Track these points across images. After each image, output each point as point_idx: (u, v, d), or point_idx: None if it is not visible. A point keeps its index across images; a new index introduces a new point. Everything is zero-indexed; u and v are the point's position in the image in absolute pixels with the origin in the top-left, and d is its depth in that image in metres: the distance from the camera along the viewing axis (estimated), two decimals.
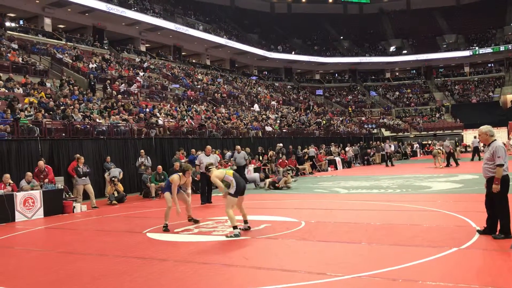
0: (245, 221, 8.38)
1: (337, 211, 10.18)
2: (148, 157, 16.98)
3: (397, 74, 62.51)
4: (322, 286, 4.86)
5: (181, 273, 5.63)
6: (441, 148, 24.62)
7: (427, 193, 12.72)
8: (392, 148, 33.77)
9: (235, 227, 7.76)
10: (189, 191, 9.37)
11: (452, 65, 58.91)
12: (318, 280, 5.01)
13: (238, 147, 18.39)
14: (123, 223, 10.15)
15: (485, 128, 6.82)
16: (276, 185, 16.43)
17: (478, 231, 6.91)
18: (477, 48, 55.02)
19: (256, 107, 36.39)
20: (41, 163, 13.15)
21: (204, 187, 13.21)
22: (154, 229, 8.92)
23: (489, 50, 54.14)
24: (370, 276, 5.08)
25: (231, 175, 8.05)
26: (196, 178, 13.31)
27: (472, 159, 27.05)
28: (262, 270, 5.55)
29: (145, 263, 6.24)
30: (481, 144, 21.58)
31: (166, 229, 8.54)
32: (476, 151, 27.05)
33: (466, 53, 55.24)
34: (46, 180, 12.69)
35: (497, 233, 6.54)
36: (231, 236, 7.64)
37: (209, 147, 13.86)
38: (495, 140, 6.69)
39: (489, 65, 58.09)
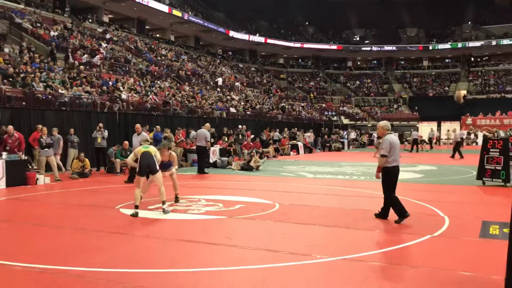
0: (163, 202, 8.12)
1: (308, 195, 10.38)
2: (106, 130, 16.29)
3: (358, 63, 63.61)
4: (309, 267, 4.98)
5: (167, 250, 5.61)
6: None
7: None
8: (352, 136, 34.66)
9: (136, 206, 7.72)
10: (173, 169, 9.17)
11: (411, 58, 60.60)
12: (305, 261, 5.13)
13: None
14: (93, 198, 9.93)
15: (382, 123, 7.62)
16: (249, 164, 16.51)
17: (375, 214, 7.59)
18: (436, 43, 56.77)
19: (220, 80, 36.23)
20: (10, 127, 12.55)
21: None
22: (127, 205, 8.79)
23: (447, 46, 56.01)
24: (355, 259, 5.25)
25: (140, 154, 8.02)
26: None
27: (411, 151, 29.05)
28: (247, 250, 5.62)
29: (127, 239, 6.17)
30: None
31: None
32: (415, 143, 29.70)
33: (425, 47, 56.93)
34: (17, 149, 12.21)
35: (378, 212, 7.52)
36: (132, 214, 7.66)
37: (138, 125, 13.57)
38: (389, 134, 7.35)
39: (447, 60, 60.18)
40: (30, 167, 12.59)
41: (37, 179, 12.13)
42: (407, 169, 16.95)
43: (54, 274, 4.60)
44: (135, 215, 7.63)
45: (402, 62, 61.65)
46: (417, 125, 46.85)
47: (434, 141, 35.33)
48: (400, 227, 6.92)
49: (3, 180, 11.36)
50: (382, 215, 7.47)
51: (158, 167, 8.10)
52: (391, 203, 7.26)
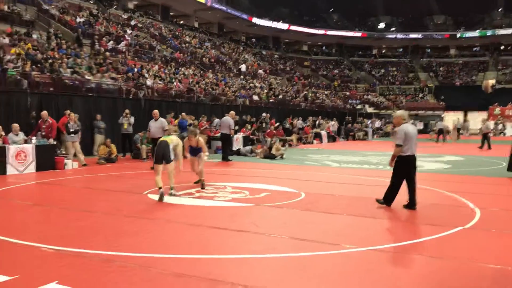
0: (171, 188, 8.29)
1: (334, 184, 10.30)
2: (132, 116, 16.41)
3: (383, 51, 62.58)
4: (339, 257, 4.94)
5: (195, 236, 5.64)
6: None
7: (419, 172, 12.91)
8: (377, 124, 34.25)
9: (159, 188, 7.92)
10: (203, 156, 9.31)
11: (438, 47, 59.31)
12: (334, 251, 5.09)
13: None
14: (120, 183, 10.05)
15: (399, 112, 7.83)
16: (270, 151, 16.49)
17: (404, 206, 7.49)
18: (464, 31, 55.39)
19: (243, 67, 36.11)
20: (45, 113, 12.82)
21: (153, 152, 13.01)
22: (154, 191, 8.87)
23: (476, 34, 54.57)
24: (385, 250, 5.19)
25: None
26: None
27: (437, 141, 28.44)
28: (275, 238, 5.60)
29: (156, 224, 6.24)
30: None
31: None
32: (441, 133, 28.85)
33: (452, 35, 55.58)
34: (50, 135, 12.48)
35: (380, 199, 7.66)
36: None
37: (156, 111, 13.43)
38: (405, 123, 7.45)
39: (475, 49, 58.68)
40: (58, 152, 12.81)
41: (65, 163, 12.35)
42: (434, 160, 16.69)
43: (86, 258, 4.67)
44: (161, 197, 7.77)
45: (428, 50, 60.39)
46: (443, 115, 45.98)
47: (461, 131, 34.66)
48: (430, 218, 6.80)
49: (33, 164, 11.61)
50: (410, 205, 7.42)
51: (173, 157, 8.19)
52: (392, 188, 7.45)
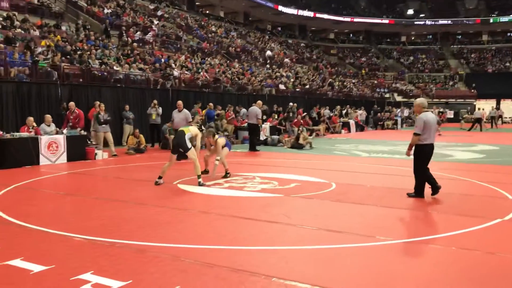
0: (198, 177, 8.44)
1: (365, 175, 10.12)
2: (160, 107, 16.49)
3: (412, 38, 61.21)
4: (375, 249, 4.82)
5: (227, 226, 5.60)
6: None
7: (451, 161, 12.63)
8: (406, 113, 33.62)
9: (159, 177, 8.44)
10: (216, 159, 9.31)
11: (469, 33, 57.60)
12: (370, 243, 4.97)
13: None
14: (150, 173, 10.08)
15: (419, 100, 7.70)
16: (298, 141, 16.36)
17: (408, 194, 7.47)
18: (497, 15, 53.58)
19: (269, 52, 35.78)
20: (72, 104, 13.03)
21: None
22: (184, 181, 8.90)
23: (510, 18, 52.69)
24: (422, 242, 5.04)
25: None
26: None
27: (469, 129, 27.82)
28: (308, 229, 5.51)
29: (187, 214, 6.23)
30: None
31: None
32: (478, 122, 28.10)
33: (484, 20, 53.84)
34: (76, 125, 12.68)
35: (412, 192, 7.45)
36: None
37: (180, 102, 13.36)
38: (425, 112, 7.34)
39: (509, 34, 56.73)
40: (89, 142, 12.99)
41: (96, 154, 12.51)
42: (466, 149, 16.26)
43: (121, 248, 4.69)
44: (156, 182, 8.33)
45: (459, 36, 58.72)
46: (474, 103, 44.81)
47: (497, 120, 33.70)
48: (467, 210, 6.59)
49: (64, 155, 11.80)
50: (418, 194, 7.33)
51: (189, 145, 8.36)
52: (423, 179, 7.28)
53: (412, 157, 7.41)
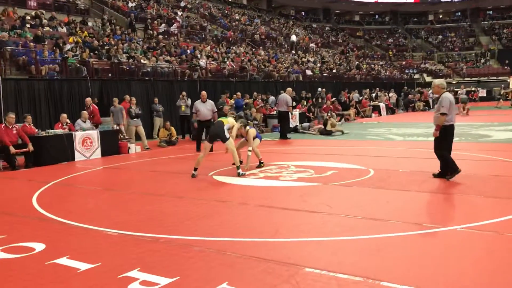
0: (238, 167, 8.49)
1: (402, 159, 9.85)
2: (189, 98, 16.42)
3: (440, 16, 59.44)
4: (424, 237, 4.64)
5: (268, 218, 5.51)
6: None
7: (491, 142, 12.21)
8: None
9: (195, 169, 8.41)
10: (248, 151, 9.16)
11: (501, 7, 55.42)
12: (418, 231, 4.78)
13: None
14: (183, 165, 10.08)
15: (438, 81, 7.62)
16: (325, 127, 16.12)
17: (433, 175, 7.46)
18: None
19: (293, 37, 35.28)
20: (88, 99, 13.14)
21: (200, 135, 12.73)
22: (219, 172, 8.85)
23: None
24: (471, 228, 4.82)
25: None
26: (194, 126, 13.24)
27: None
28: (351, 218, 5.35)
29: (226, 206, 6.16)
30: None
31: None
32: None
33: None
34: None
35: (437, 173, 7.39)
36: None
37: (204, 93, 12.98)
38: (445, 92, 7.30)
39: None
40: (121, 136, 13.09)
41: (129, 148, 12.61)
42: (504, 128, 15.70)
43: (165, 244, 4.64)
44: (193, 175, 8.31)
45: (490, 12, 56.65)
46: (508, 80, 43.28)
47: None
48: None
49: (98, 150, 11.92)
50: (454, 170, 7.18)
51: (228, 136, 8.38)
52: (446, 161, 7.23)
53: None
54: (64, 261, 4.26)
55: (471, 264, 3.87)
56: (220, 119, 8.75)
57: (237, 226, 5.24)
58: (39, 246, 4.71)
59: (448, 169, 7.23)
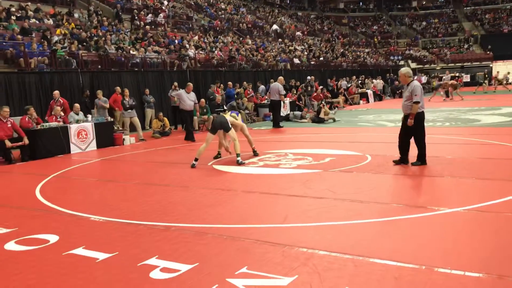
0: (238, 155, 8.64)
1: (396, 145, 9.98)
2: (180, 89, 16.38)
3: (424, 2, 59.79)
4: (428, 219, 4.79)
5: (275, 205, 5.62)
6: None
7: (480, 126, 12.47)
8: (423, 80, 33.14)
9: (195, 159, 8.54)
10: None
11: None
12: (423, 214, 4.94)
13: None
14: (180, 155, 10.15)
15: (404, 70, 7.72)
16: (319, 116, 16.25)
17: (394, 161, 7.73)
18: None
19: (275, 27, 35.30)
20: (56, 92, 12.83)
21: (188, 123, 13.26)
22: (217, 161, 8.93)
23: None
24: (474, 209, 4.99)
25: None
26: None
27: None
28: (356, 203, 5.50)
29: (232, 194, 6.26)
30: None
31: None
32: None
33: None
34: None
35: (415, 161, 7.52)
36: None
37: (190, 84, 13.40)
38: (413, 80, 7.51)
39: None
40: (116, 128, 13.06)
41: (124, 139, 12.60)
42: (490, 112, 16.03)
43: (179, 231, 4.74)
44: (193, 165, 8.44)
45: None
46: (491, 65, 43.92)
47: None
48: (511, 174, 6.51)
49: (93, 142, 11.90)
50: (424, 161, 7.47)
51: (230, 126, 8.64)
52: (421, 146, 7.45)
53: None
54: (80, 251, 4.32)
55: (480, 243, 4.03)
56: (222, 114, 8.95)
57: (246, 213, 5.34)
58: (52, 238, 4.77)
59: (421, 156, 7.49)
